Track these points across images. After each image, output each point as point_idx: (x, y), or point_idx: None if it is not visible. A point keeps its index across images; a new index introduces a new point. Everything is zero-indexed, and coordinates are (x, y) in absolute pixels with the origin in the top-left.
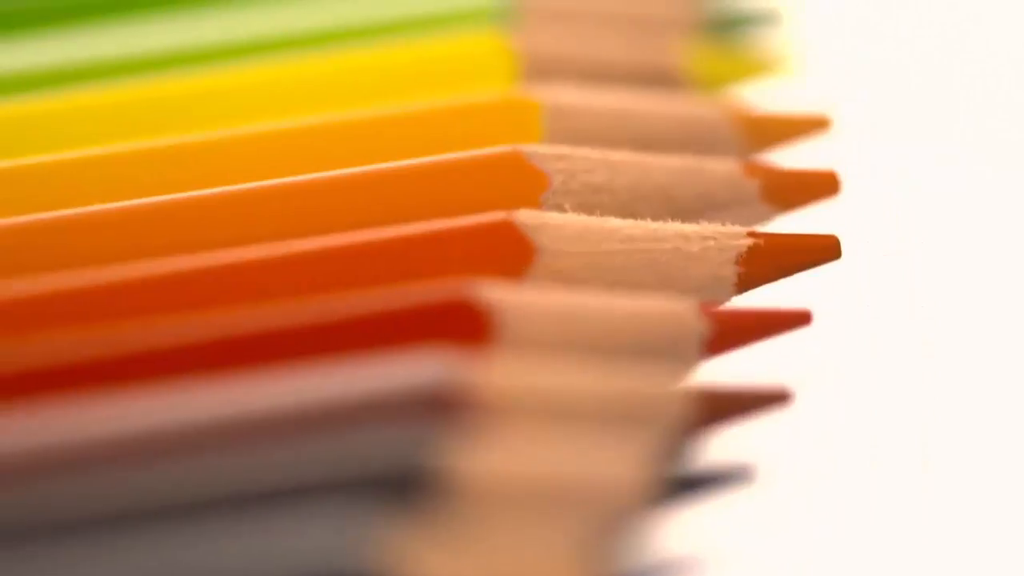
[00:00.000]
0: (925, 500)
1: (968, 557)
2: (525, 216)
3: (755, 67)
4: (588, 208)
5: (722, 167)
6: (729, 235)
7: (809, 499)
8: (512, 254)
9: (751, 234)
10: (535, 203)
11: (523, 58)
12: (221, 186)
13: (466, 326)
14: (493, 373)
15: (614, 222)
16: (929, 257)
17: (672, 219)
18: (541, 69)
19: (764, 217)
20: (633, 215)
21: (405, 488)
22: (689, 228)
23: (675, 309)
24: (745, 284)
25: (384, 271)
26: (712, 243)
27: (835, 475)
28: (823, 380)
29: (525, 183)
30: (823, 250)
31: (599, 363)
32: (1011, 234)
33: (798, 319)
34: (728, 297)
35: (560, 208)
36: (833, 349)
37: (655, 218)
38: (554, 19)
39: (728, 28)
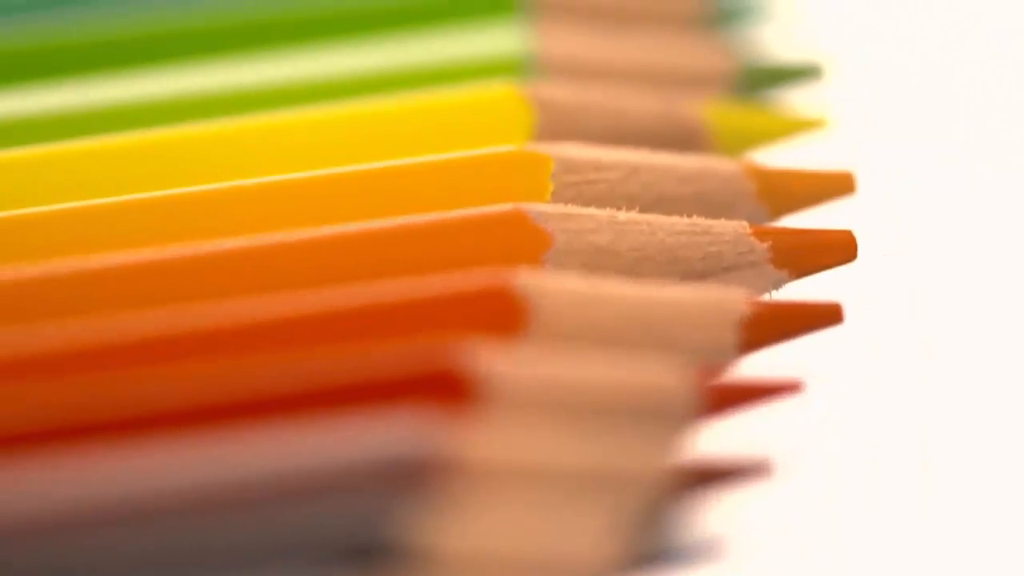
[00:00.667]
0: (937, 496)
1: (980, 550)
2: (522, 277)
3: (785, 127)
4: (592, 268)
5: (730, 228)
6: (730, 301)
7: (827, 489)
8: (507, 315)
9: (753, 301)
10: (537, 262)
11: (540, 111)
12: (227, 237)
13: (453, 391)
14: (474, 441)
15: (614, 285)
16: (940, 263)
17: (679, 280)
18: (559, 122)
19: (774, 280)
20: (638, 276)
21: (371, 558)
22: (690, 293)
23: (666, 380)
24: (746, 349)
25: (378, 327)
26: (713, 308)
27: (852, 467)
28: (834, 377)
29: (527, 242)
30: (825, 316)
31: (586, 428)
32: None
33: (790, 387)
34: (729, 361)
35: (562, 268)
36: (843, 349)
37: (660, 279)
38: (577, 71)
39: (766, 83)
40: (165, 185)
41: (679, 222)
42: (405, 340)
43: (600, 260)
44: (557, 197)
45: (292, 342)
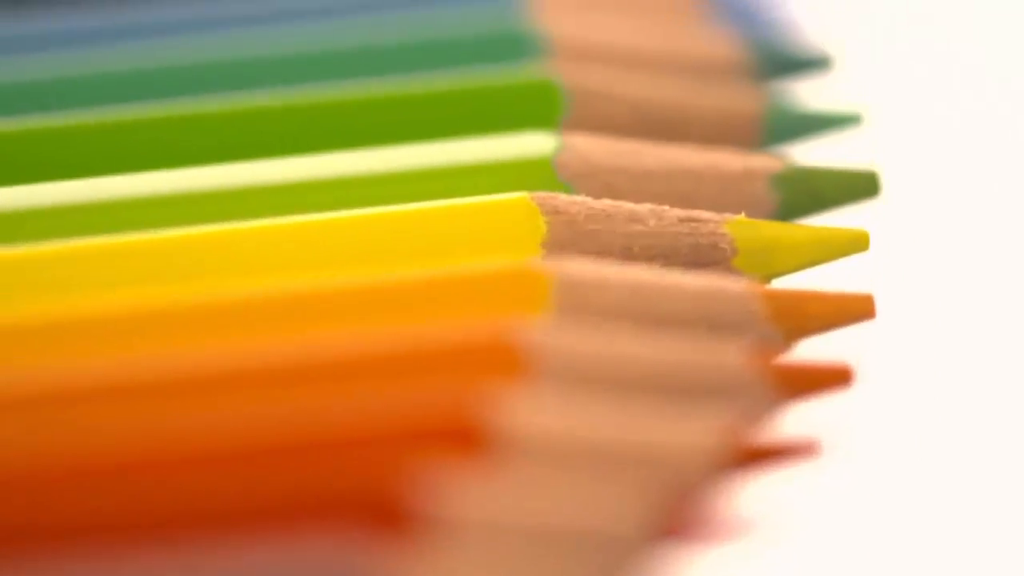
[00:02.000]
0: (972, 490)
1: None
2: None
3: (816, 245)
4: (582, 386)
5: (733, 357)
6: (718, 431)
7: (867, 475)
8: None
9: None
10: (525, 381)
11: (553, 221)
12: (213, 340)
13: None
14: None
15: (597, 412)
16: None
17: (674, 402)
18: (571, 233)
19: (772, 405)
20: (631, 399)
21: None
22: (675, 426)
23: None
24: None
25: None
26: (698, 438)
27: (898, 454)
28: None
29: (512, 366)
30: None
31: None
32: None
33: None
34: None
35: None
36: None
37: (653, 402)
38: (607, 182)
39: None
40: (156, 290)
41: (681, 345)
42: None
43: (591, 386)
44: (556, 314)
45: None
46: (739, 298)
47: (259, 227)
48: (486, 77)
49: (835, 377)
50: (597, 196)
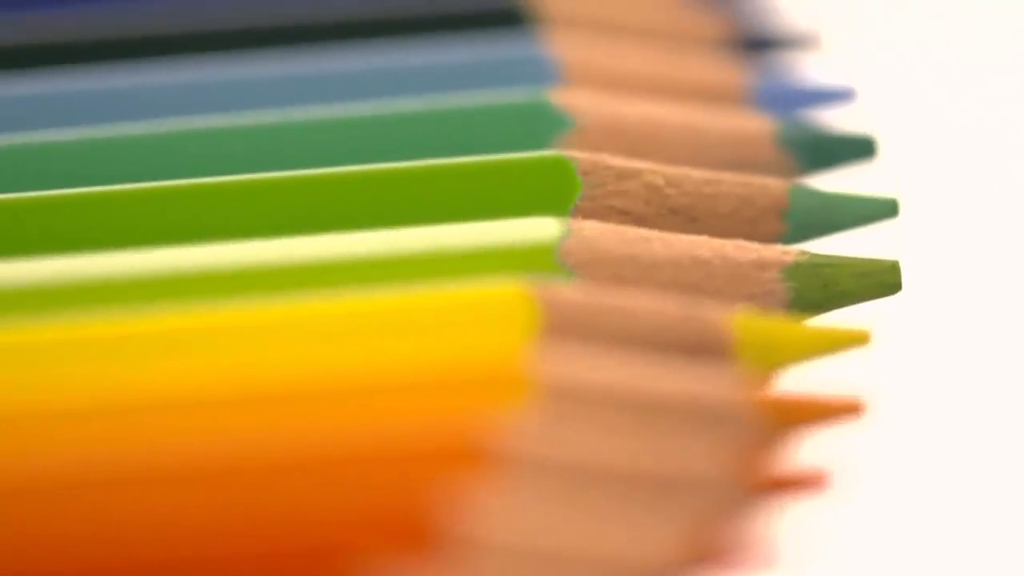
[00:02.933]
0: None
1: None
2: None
3: (820, 341)
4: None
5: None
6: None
7: (897, 500)
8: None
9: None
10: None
11: (548, 312)
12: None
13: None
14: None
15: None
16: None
17: (674, 430)
18: (567, 323)
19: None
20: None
21: None
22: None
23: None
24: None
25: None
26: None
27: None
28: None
29: (481, 477)
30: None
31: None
32: None
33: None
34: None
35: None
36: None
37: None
38: (614, 272)
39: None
40: (146, 375)
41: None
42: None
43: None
44: (538, 418)
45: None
46: (731, 401)
47: (251, 314)
48: (499, 155)
49: (843, 409)
50: (603, 284)
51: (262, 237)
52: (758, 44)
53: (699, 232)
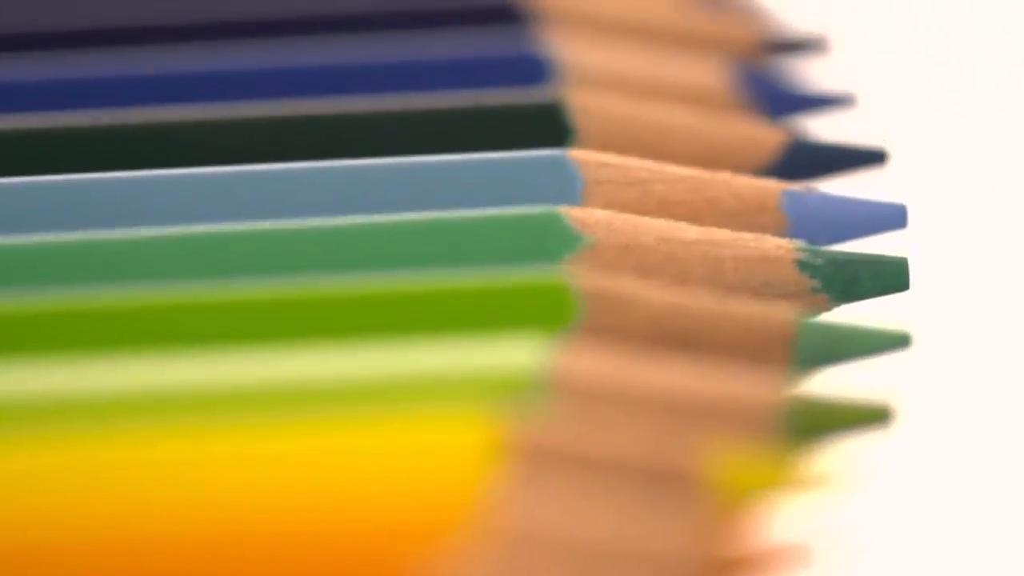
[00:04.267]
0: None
1: None
2: None
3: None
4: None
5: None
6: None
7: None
8: None
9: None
10: None
11: (519, 451)
12: None
13: None
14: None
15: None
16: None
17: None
18: (544, 459)
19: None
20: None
21: None
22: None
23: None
24: None
25: None
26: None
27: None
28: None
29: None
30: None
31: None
32: None
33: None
34: None
35: None
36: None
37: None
38: (598, 413)
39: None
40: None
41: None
42: None
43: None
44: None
45: None
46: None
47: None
48: (500, 273)
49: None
50: (583, 423)
51: (242, 345)
52: (764, 47)
53: (700, 359)
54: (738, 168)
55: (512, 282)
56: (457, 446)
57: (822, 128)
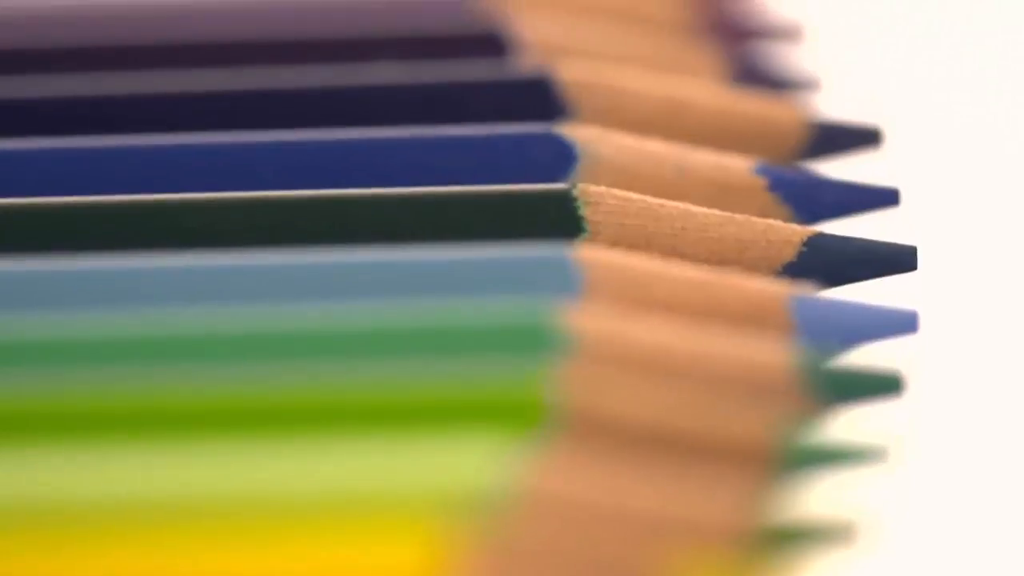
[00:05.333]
0: None
1: None
2: None
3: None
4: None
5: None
6: None
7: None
8: None
9: None
10: None
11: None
12: None
13: None
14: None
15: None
16: None
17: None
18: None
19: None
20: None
21: None
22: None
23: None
24: None
25: None
26: None
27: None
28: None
29: None
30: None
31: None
32: None
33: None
34: None
35: None
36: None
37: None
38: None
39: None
40: None
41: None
42: None
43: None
44: None
45: None
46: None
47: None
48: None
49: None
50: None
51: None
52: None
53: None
54: (755, 264)
55: (487, 384)
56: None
57: (840, 168)
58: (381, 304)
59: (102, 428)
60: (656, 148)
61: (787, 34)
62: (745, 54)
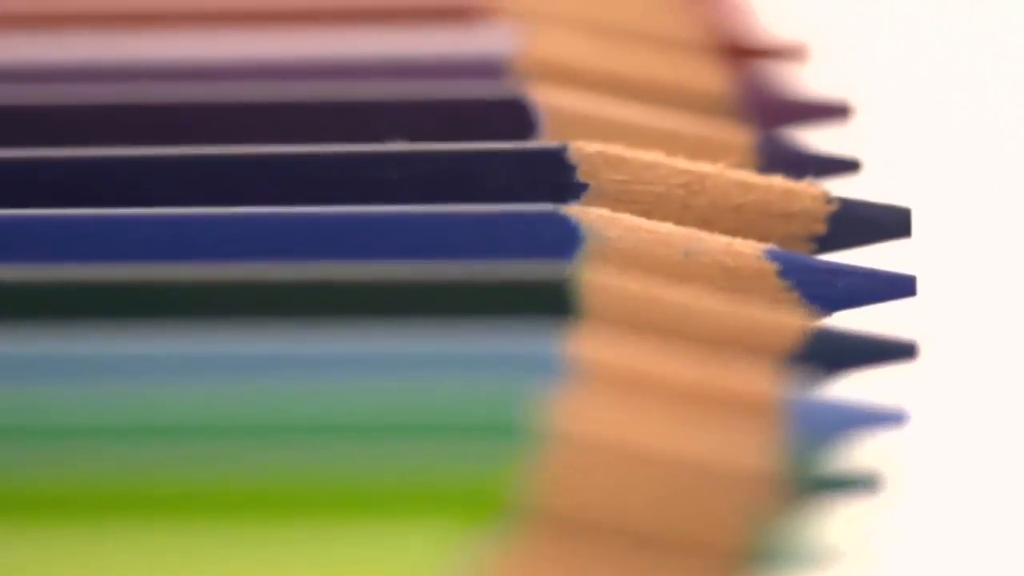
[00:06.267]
0: None
1: None
2: None
3: None
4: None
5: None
6: None
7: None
8: None
9: None
10: None
11: None
12: None
13: None
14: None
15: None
16: None
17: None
18: None
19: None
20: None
21: None
22: None
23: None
24: None
25: None
26: None
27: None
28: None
29: None
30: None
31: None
32: None
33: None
34: None
35: None
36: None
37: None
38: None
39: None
40: None
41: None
42: None
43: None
44: None
45: None
46: None
47: None
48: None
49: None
50: None
51: None
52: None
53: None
54: (756, 351)
55: (451, 475)
56: None
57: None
58: (359, 384)
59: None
60: (665, 230)
61: (793, 54)
62: (775, 135)
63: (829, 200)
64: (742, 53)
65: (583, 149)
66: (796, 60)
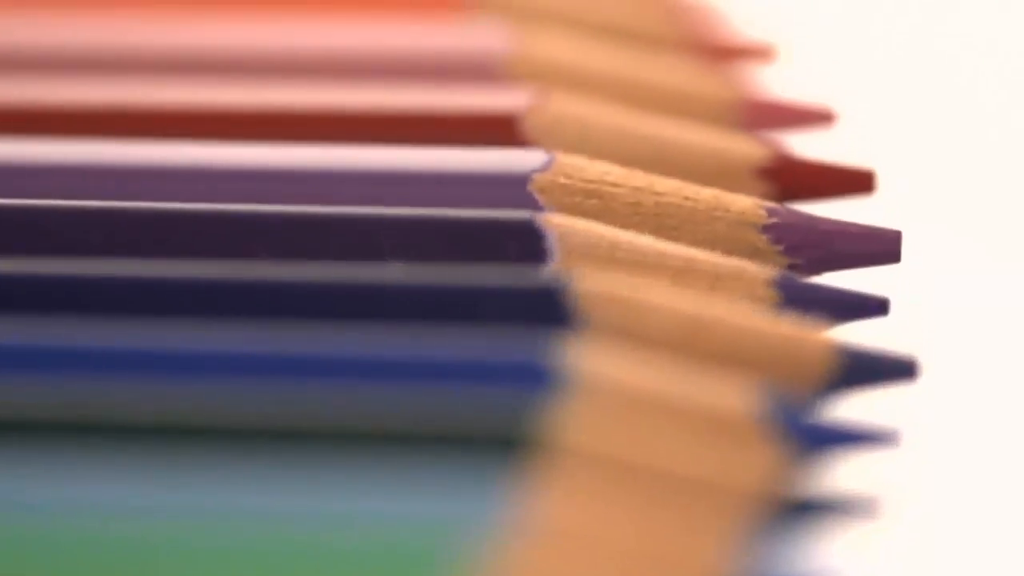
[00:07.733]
0: None
1: None
2: None
3: None
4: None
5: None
6: None
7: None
8: None
9: None
10: None
11: None
12: None
13: None
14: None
15: None
16: None
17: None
18: None
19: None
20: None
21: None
22: None
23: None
24: None
25: None
26: None
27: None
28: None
29: None
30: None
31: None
32: None
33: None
34: None
35: None
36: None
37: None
38: None
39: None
40: None
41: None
42: None
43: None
44: None
45: None
46: None
47: None
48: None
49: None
50: None
51: None
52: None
53: None
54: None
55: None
56: None
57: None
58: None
59: None
60: (656, 380)
61: (768, 56)
62: (789, 276)
63: (838, 351)
64: (726, 55)
65: (585, 287)
66: (778, 63)
